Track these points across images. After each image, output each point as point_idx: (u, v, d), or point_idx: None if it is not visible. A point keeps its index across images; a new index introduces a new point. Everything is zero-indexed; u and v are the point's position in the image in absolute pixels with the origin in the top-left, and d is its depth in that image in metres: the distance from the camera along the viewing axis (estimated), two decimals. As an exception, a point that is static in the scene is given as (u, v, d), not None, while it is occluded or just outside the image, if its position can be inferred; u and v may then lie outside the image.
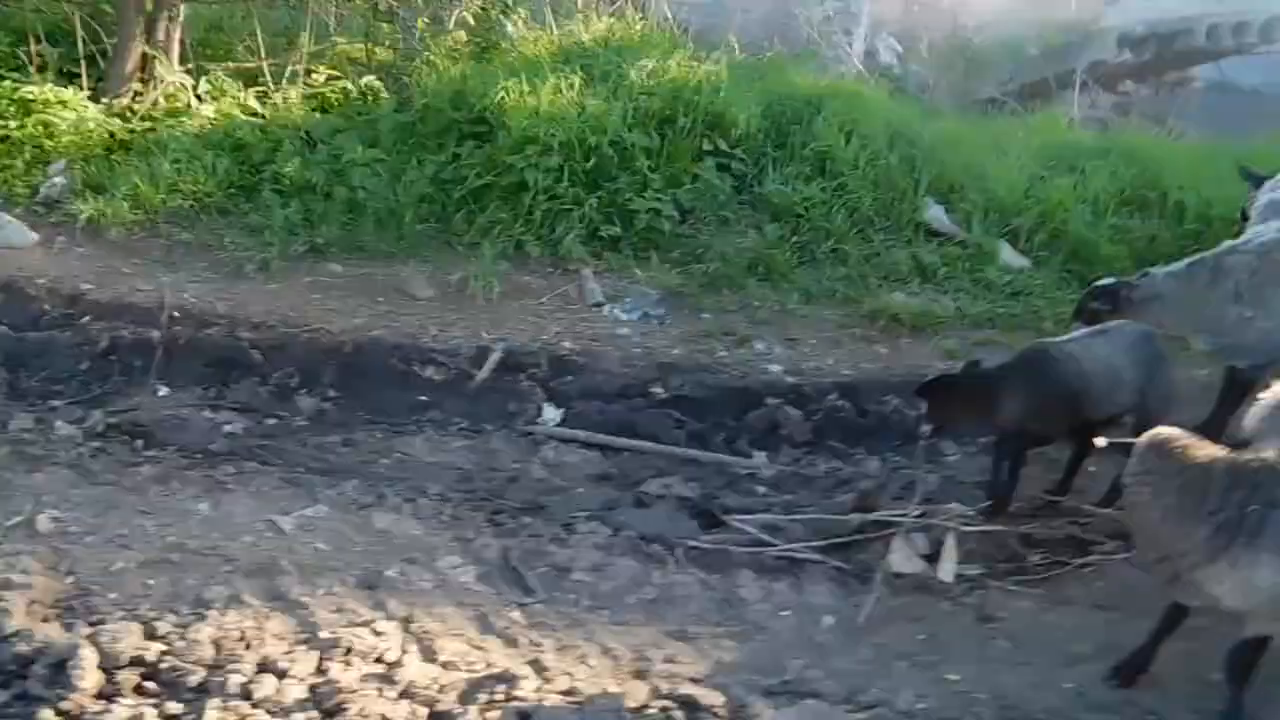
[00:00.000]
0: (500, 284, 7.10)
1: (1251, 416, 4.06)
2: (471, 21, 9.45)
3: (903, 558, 4.85)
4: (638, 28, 10.04)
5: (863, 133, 8.91)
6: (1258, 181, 7.53)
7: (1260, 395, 4.19)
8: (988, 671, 4.11)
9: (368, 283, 7.09)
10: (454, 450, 5.69)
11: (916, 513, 5.02)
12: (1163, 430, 3.71)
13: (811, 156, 8.61)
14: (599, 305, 7.20)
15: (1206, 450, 3.57)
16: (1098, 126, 11.47)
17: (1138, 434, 4.83)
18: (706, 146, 8.45)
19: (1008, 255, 8.35)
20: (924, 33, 17.22)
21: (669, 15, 11.49)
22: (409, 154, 8.01)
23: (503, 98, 8.13)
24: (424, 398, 6.14)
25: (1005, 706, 3.84)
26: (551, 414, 6.11)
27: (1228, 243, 6.32)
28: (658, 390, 6.36)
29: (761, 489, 5.72)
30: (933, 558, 4.88)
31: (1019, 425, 5.11)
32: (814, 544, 4.90)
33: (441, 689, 3.54)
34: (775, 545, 4.88)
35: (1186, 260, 6.11)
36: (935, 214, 8.59)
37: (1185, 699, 3.85)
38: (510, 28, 9.79)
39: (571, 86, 8.35)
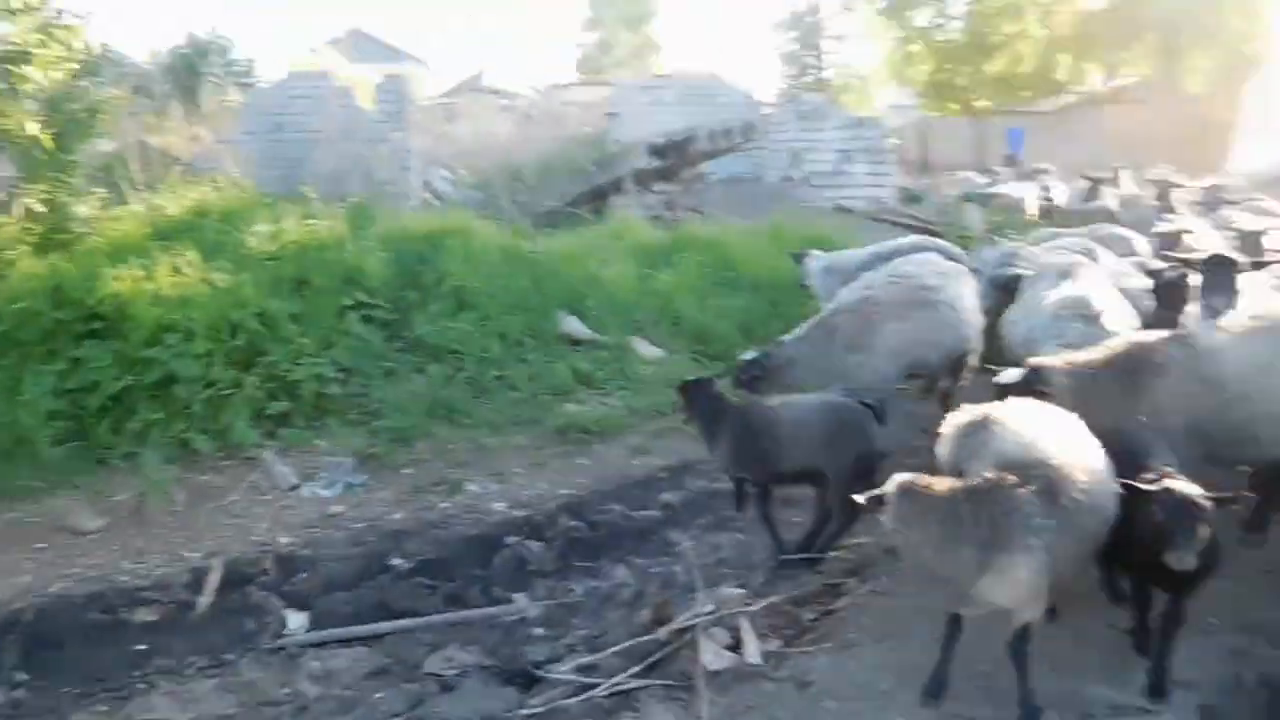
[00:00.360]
0: (179, 492, 5.99)
1: (941, 449, 4.49)
2: (39, 208, 7.94)
3: (714, 656, 4.77)
4: (228, 193, 9.16)
5: (486, 261, 8.89)
6: (798, 259, 8.78)
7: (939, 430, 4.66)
8: (834, 736, 4.14)
9: (17, 530, 5.60)
10: (207, 696, 4.61)
11: (709, 609, 4.98)
12: (902, 477, 3.94)
13: (449, 293, 8.39)
14: (295, 488, 6.34)
15: (945, 484, 3.88)
16: (659, 224, 12.48)
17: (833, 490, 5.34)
18: (347, 301, 7.90)
19: (644, 349, 8.75)
20: (460, 160, 17.73)
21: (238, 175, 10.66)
22: (14, 368, 6.52)
23: (116, 288, 6.94)
24: (143, 646, 4.94)
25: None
26: (297, 620, 5.23)
27: (830, 306, 7.17)
28: (398, 561, 5.74)
29: (538, 630, 5.35)
30: (735, 646, 4.87)
31: (726, 464, 5.66)
32: (635, 671, 4.66)
33: None
34: (600, 684, 4.57)
35: (805, 325, 6.84)
36: (572, 324, 8.77)
37: (983, 693, 4.12)
38: (83, 210, 8.43)
39: (190, 263, 7.37)
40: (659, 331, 9.00)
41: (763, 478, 5.65)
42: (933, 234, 10.59)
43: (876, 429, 5.60)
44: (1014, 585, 3.76)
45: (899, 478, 3.96)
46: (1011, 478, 3.80)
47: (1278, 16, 28.94)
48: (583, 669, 4.72)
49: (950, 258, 8.07)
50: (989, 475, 3.84)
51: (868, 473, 5.30)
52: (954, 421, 4.46)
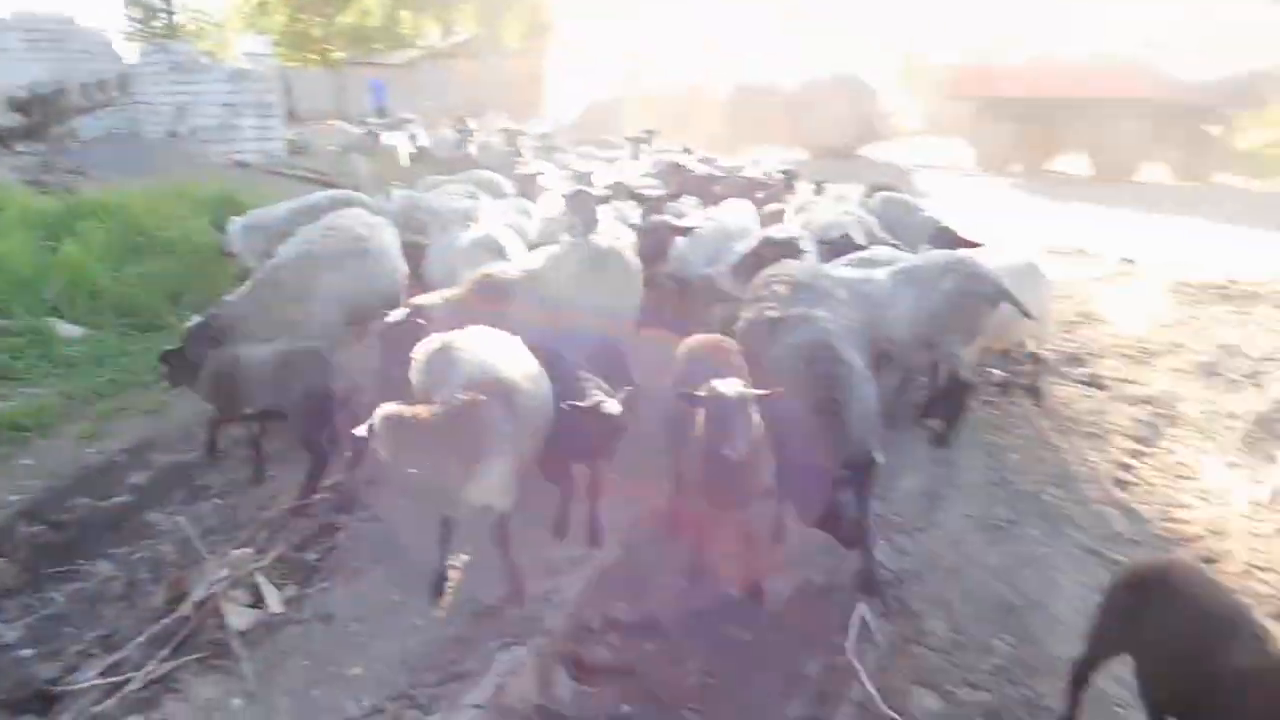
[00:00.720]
0: None
1: (414, 375, 4.72)
2: None
3: (239, 618, 4.58)
4: None
5: None
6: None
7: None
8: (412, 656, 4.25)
9: None
10: None
11: (223, 574, 4.73)
12: (388, 408, 4.16)
13: None
14: None
15: (425, 409, 4.18)
16: (42, 189, 10.38)
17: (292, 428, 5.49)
18: None
19: (64, 329, 7.47)
20: None
21: None
22: None
23: None
24: None
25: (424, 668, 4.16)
26: None
27: (270, 262, 6.91)
28: None
29: (27, 652, 4.55)
30: (256, 602, 4.72)
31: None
32: (165, 654, 4.27)
33: None
34: (132, 678, 4.11)
35: (249, 283, 6.58)
36: (-35, 313, 7.13)
37: (475, 577, 4.64)
38: None
39: None
40: (76, 308, 7.71)
41: (237, 418, 5.81)
42: (328, 185, 10.55)
43: (325, 371, 5.66)
44: (493, 485, 4.20)
45: (385, 409, 4.15)
46: (480, 395, 4.21)
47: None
48: (108, 670, 4.20)
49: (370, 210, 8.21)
50: (461, 395, 4.19)
51: (322, 411, 5.45)
52: (422, 350, 4.72)
